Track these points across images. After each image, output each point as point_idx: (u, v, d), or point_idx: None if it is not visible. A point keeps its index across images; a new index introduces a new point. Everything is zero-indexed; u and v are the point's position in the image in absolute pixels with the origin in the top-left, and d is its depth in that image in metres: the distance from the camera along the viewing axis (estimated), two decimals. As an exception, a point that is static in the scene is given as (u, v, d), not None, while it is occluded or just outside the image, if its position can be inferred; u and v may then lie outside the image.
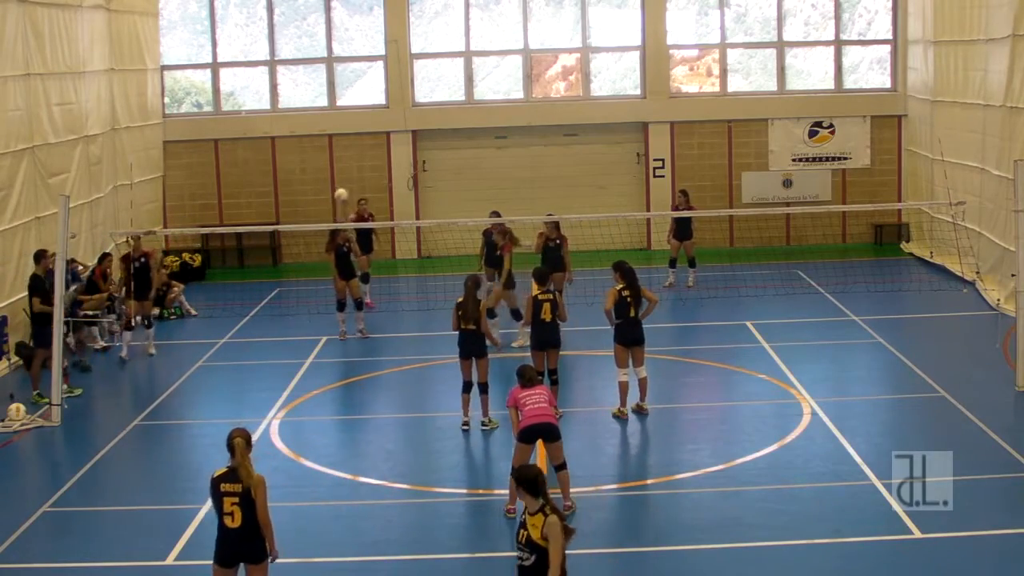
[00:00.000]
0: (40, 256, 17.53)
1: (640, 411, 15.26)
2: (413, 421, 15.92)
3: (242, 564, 9.18)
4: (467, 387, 14.80)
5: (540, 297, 14.98)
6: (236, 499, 8.97)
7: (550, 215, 21.07)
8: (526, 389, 12.13)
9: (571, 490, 12.09)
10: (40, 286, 17.14)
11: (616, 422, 15.07)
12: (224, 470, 9.10)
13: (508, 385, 15.45)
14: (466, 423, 14.81)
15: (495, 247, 21.16)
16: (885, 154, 27.83)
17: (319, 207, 27.59)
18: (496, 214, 21.58)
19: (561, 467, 12.01)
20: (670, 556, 11.16)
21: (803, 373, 16.85)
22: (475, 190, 27.11)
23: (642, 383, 15.23)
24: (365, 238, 22.12)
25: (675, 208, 23.65)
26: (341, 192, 20.48)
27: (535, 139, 28.02)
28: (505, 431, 14.60)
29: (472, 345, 14.75)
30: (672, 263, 23.37)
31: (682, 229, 23.14)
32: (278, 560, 9.35)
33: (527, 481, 8.52)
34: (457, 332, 14.88)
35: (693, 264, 23.27)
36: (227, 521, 9.01)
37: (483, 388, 14.78)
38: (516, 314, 18.90)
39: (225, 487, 9.01)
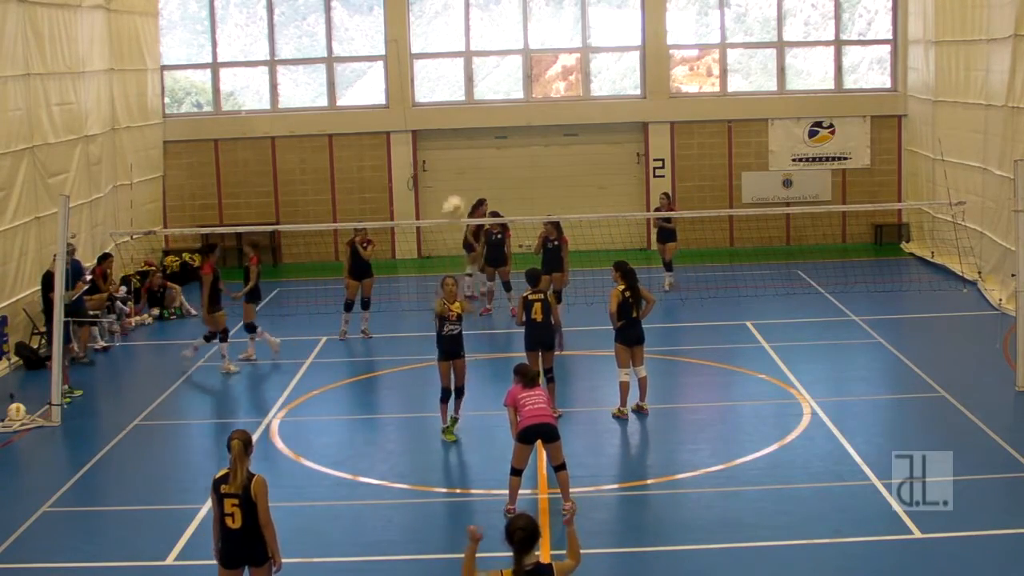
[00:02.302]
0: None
1: (640, 411, 15.26)
2: (413, 421, 15.91)
3: (246, 567, 9.17)
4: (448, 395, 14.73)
5: (531, 297, 14.99)
6: (236, 501, 8.96)
7: (550, 216, 21.07)
8: (526, 390, 12.11)
9: (571, 490, 12.08)
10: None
11: (616, 422, 15.06)
12: (225, 471, 9.11)
13: (502, 386, 15.45)
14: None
15: (496, 247, 21.22)
16: (885, 154, 27.83)
17: (319, 207, 27.64)
18: (496, 214, 21.60)
19: (560, 467, 12.00)
20: (670, 556, 11.15)
21: (803, 373, 16.85)
22: (475, 190, 27.04)
23: (642, 382, 15.23)
24: (497, 246, 21.41)
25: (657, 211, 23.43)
26: (454, 205, 17.53)
27: (535, 139, 28.03)
28: (506, 431, 14.59)
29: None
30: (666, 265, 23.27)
31: (661, 232, 23.01)
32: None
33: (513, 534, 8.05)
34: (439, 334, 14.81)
35: (669, 268, 23.01)
36: (228, 522, 9.00)
37: (458, 392, 14.74)
38: (222, 334, 18.62)
39: (225, 488, 9.01)
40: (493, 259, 21.29)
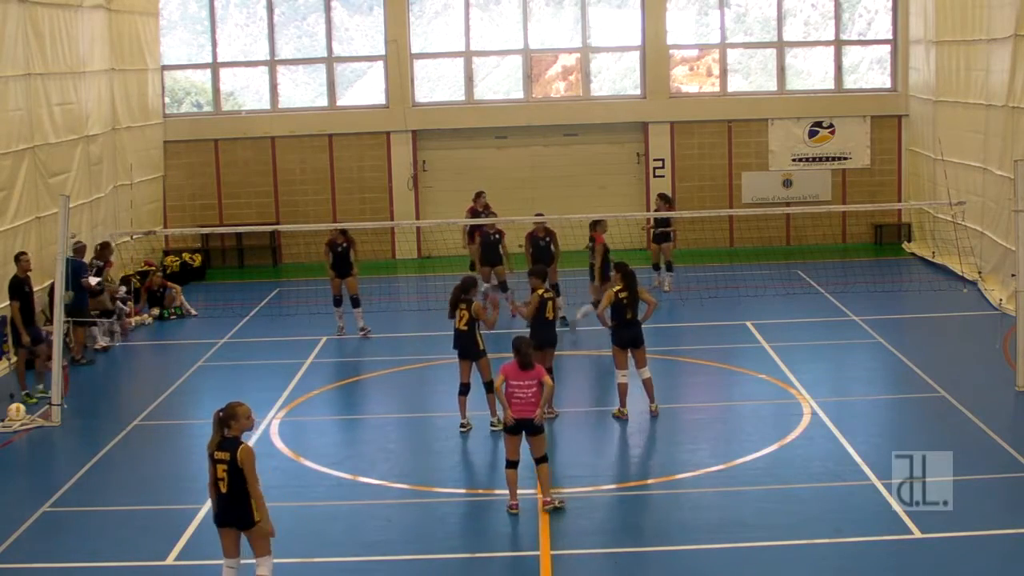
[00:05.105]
0: (17, 258, 17.32)
1: (652, 414, 15.12)
2: (413, 421, 15.92)
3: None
4: (464, 390, 14.76)
5: (546, 296, 14.94)
6: (225, 466, 9.43)
7: (539, 215, 21.03)
8: (519, 375, 11.97)
9: (571, 489, 12.05)
10: (19, 288, 16.92)
11: (616, 422, 15.05)
12: (218, 438, 9.60)
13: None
14: (464, 424, 14.77)
15: (492, 246, 21.21)
16: (885, 154, 27.83)
17: (319, 207, 27.63)
18: (539, 214, 21.48)
19: (540, 460, 11.96)
20: (670, 556, 11.15)
21: (803, 373, 16.84)
22: (475, 190, 27.08)
23: (645, 384, 15.11)
24: (493, 246, 20.97)
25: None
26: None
27: (535, 139, 28.03)
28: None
29: (464, 346, 14.73)
30: (655, 267, 23.17)
31: (657, 233, 22.96)
32: (276, 560, 9.35)
33: None
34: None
35: (670, 268, 22.96)
36: (220, 487, 9.49)
37: (488, 387, 14.72)
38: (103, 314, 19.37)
39: (218, 455, 9.49)
40: (490, 259, 21.25)
